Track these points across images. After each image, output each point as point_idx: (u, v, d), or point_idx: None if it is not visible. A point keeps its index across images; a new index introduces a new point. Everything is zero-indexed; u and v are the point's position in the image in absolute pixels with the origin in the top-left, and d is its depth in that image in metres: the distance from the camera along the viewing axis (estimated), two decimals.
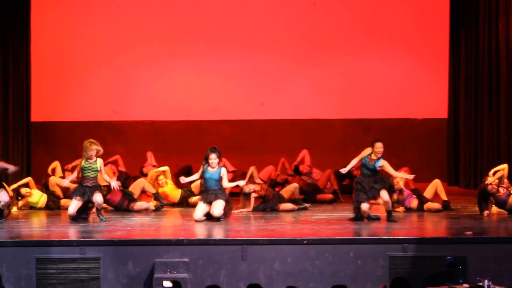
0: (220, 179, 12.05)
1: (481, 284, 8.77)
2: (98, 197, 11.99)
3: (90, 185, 11.98)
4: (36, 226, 11.72)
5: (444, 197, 12.99)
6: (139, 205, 13.02)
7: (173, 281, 8.99)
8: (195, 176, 12.23)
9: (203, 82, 16.85)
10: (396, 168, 14.95)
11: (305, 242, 10.46)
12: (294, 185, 13.35)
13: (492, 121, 14.89)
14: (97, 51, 16.83)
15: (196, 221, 11.91)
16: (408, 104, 16.40)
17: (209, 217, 12.01)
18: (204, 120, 16.70)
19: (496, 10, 14.87)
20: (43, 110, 16.59)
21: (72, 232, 11.26)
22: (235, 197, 14.56)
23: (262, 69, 16.84)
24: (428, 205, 12.83)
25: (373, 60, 16.74)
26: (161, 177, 13.67)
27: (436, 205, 12.82)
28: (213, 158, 12.02)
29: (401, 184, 12.89)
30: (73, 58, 16.83)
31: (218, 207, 11.95)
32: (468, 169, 15.02)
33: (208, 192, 12.01)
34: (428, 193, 13.04)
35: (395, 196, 12.83)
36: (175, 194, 13.66)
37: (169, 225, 11.73)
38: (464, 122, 15.11)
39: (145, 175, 14.84)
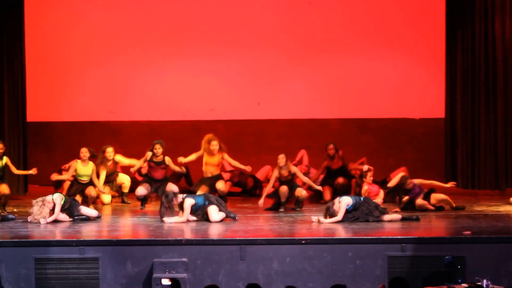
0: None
1: (479, 283, 8.79)
2: (84, 209, 12.25)
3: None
4: (35, 226, 11.68)
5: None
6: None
7: (171, 279, 9.01)
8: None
9: (200, 82, 16.83)
10: (394, 168, 15.05)
11: (303, 242, 10.48)
12: (284, 188, 13.27)
13: (489, 121, 14.92)
14: (92, 51, 16.80)
15: (188, 220, 11.93)
16: (405, 103, 16.40)
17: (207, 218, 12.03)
18: (201, 120, 16.69)
19: (492, 10, 14.91)
20: (39, 110, 16.56)
21: (71, 232, 11.25)
22: (235, 196, 14.63)
23: (258, 69, 16.83)
24: (420, 202, 12.95)
25: (370, 59, 16.74)
26: (215, 142, 13.53)
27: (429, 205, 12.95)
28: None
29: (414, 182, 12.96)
30: (68, 58, 16.79)
31: (213, 214, 11.94)
32: (465, 168, 15.03)
33: (199, 210, 12.02)
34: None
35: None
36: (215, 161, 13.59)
37: (167, 225, 11.72)
38: (461, 122, 15.13)
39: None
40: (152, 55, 16.77)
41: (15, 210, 13.12)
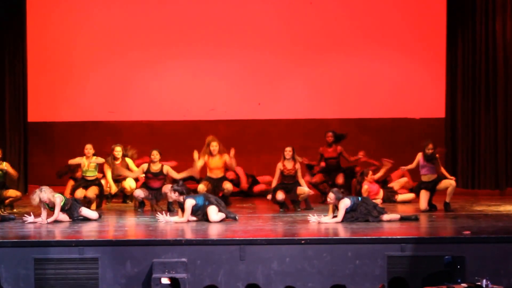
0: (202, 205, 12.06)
1: (479, 283, 8.80)
2: (85, 211, 12.21)
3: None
4: (34, 226, 11.69)
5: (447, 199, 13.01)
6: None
7: (171, 278, 9.03)
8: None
9: (200, 82, 16.85)
10: (393, 167, 15.06)
11: (303, 242, 10.48)
12: (280, 196, 13.27)
13: (489, 120, 14.93)
14: (93, 51, 16.82)
15: (188, 220, 11.95)
16: (405, 103, 16.40)
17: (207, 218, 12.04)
18: (201, 120, 16.71)
19: (493, 9, 14.92)
20: (40, 110, 16.57)
21: (71, 233, 11.26)
22: (233, 196, 14.62)
23: (259, 69, 16.85)
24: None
25: (370, 59, 16.75)
26: (214, 143, 13.54)
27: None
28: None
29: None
30: (69, 58, 16.81)
31: (212, 214, 11.95)
32: (466, 168, 15.04)
33: (199, 210, 12.03)
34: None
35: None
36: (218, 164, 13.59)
37: (167, 225, 11.73)
38: (462, 122, 15.14)
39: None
40: (152, 55, 16.79)
41: (14, 210, 13.12)
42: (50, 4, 16.72)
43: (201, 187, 13.45)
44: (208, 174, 13.72)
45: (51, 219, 11.85)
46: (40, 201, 11.85)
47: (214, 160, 13.65)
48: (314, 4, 16.83)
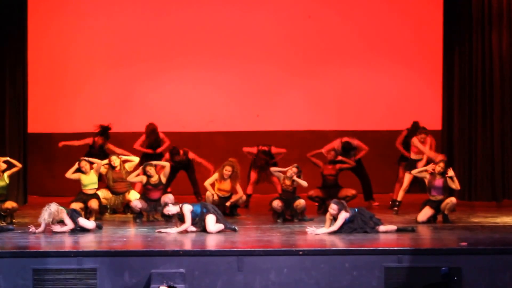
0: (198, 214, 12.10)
1: None
2: (82, 221, 12.24)
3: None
4: (33, 237, 11.74)
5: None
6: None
7: (169, 286, 9.06)
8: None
9: (200, 94, 16.94)
10: (391, 179, 15.12)
11: (300, 253, 10.52)
12: (275, 203, 13.35)
13: (485, 132, 14.98)
14: (94, 63, 16.91)
15: (187, 231, 11.98)
16: (403, 116, 16.44)
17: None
18: (200, 132, 16.78)
19: (489, 23, 14.99)
20: (40, 121, 16.63)
21: (69, 243, 11.30)
22: None
23: (258, 81, 16.94)
24: None
25: (368, 72, 16.86)
26: (229, 168, 13.63)
27: None
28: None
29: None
30: (70, 70, 16.90)
31: (210, 224, 11.99)
32: (462, 180, 15.06)
33: (197, 217, 12.09)
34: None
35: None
36: (227, 188, 13.73)
37: (165, 236, 11.77)
38: (458, 134, 15.19)
39: None
40: (152, 67, 16.88)
41: (14, 220, 13.15)
42: (50, 16, 16.83)
43: (209, 193, 13.57)
44: (216, 191, 13.77)
45: (64, 229, 11.98)
46: (49, 217, 11.91)
47: (224, 184, 13.70)
48: (313, 17, 16.94)
